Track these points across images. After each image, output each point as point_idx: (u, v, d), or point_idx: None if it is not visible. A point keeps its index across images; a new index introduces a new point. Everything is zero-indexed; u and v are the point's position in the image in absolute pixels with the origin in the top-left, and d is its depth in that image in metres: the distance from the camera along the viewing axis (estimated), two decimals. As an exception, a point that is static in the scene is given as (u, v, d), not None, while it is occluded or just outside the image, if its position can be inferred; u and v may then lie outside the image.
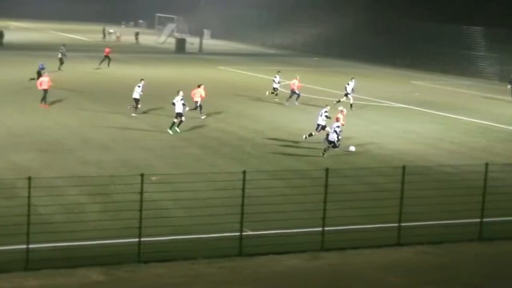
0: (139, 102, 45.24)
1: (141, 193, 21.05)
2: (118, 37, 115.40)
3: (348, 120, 43.30)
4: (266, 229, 23.10)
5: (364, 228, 24.16)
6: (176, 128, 40.29)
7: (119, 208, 24.08)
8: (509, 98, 62.85)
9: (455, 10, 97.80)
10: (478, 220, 24.23)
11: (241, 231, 21.90)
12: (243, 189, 21.80)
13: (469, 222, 24.63)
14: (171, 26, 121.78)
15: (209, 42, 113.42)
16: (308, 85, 61.63)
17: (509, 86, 64.71)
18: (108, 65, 71.54)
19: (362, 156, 36.55)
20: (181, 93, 40.99)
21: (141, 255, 20.80)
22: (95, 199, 25.66)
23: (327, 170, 22.62)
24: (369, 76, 77.81)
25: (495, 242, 24.09)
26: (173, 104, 40.51)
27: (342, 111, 38.58)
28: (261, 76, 72.25)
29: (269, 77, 70.02)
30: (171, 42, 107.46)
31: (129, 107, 45.60)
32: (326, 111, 39.24)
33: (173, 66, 79.02)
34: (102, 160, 33.07)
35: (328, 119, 38.80)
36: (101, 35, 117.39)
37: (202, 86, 46.11)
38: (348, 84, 52.66)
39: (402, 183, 23.31)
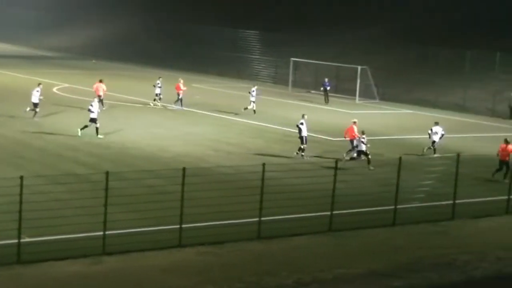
0: (38, 106, 46.23)
1: None
2: None
3: (127, 123, 43.30)
4: (46, 235, 22.56)
5: (146, 230, 24.13)
6: (99, 135, 41.11)
7: None
8: (322, 103, 65.15)
9: (232, 14, 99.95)
10: (256, 219, 24.86)
11: (19, 238, 21.27)
12: (21, 194, 21.20)
13: (249, 221, 25.24)
14: None
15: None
16: (84, 88, 60.97)
17: (321, 89, 66.91)
18: None
19: (142, 159, 36.51)
20: (96, 99, 43.07)
21: None
22: None
23: (107, 173, 22.44)
24: (149, 78, 77.87)
25: (272, 240, 24.81)
26: (89, 110, 41.54)
27: (355, 122, 39.71)
28: (37, 79, 70.45)
29: (48, 80, 68.56)
30: None
31: (28, 110, 46.23)
32: (302, 122, 39.29)
33: None
34: None
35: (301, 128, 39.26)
36: None
37: (103, 81, 51.84)
38: (253, 90, 54.76)
39: (182, 184, 23.51)
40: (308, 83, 77.82)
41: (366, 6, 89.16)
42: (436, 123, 42.84)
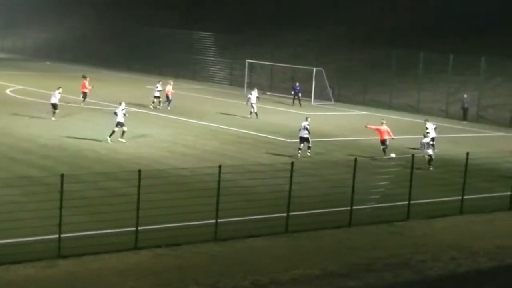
0: (57, 107, 48.75)
1: None
2: None
3: (82, 125, 42.95)
4: None
5: (102, 233, 23.99)
6: (121, 139, 41.25)
7: None
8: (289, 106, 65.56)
9: (186, 15, 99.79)
10: (213, 221, 24.83)
11: (-28, 242, 21.02)
12: (-26, 198, 20.95)
13: (205, 223, 25.19)
14: None
15: None
16: (38, 90, 60.36)
17: (292, 92, 67.29)
18: None
19: (97, 161, 36.26)
20: (123, 104, 43.23)
21: None
22: None
23: (62, 176, 22.24)
24: (103, 81, 77.41)
25: (229, 241, 24.80)
26: (115, 114, 41.69)
27: (382, 123, 42.00)
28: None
29: (1, 82, 67.96)
30: None
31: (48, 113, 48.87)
32: (308, 124, 40.41)
33: None
34: None
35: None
36: None
37: (87, 78, 56.24)
38: (251, 94, 56.39)
39: (138, 187, 23.39)
40: (263, 84, 78.00)
41: (320, 8, 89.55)
42: (427, 120, 45.67)
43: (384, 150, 41.14)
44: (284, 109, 63.12)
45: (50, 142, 40.47)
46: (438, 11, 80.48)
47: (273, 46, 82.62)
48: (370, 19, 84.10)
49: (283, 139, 46.52)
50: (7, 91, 63.26)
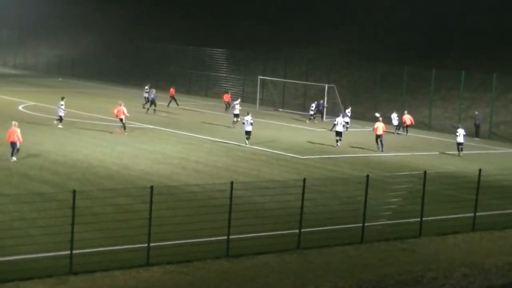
0: (239, 116, 58.17)
1: None
2: None
3: (93, 141, 42.87)
4: (10, 255, 22.31)
5: (113, 249, 23.97)
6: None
7: None
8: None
9: (198, 32, 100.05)
10: (225, 237, 24.79)
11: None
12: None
13: (217, 239, 25.16)
14: None
15: None
16: (50, 106, 60.50)
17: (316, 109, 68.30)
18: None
19: (109, 178, 36.28)
20: (250, 114, 50.34)
21: None
22: None
23: (74, 192, 22.25)
24: (114, 97, 77.65)
25: (240, 258, 24.73)
26: (243, 123, 49.59)
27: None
28: (3, 97, 70.03)
29: (14, 98, 68.14)
30: None
31: (235, 120, 58.39)
32: (344, 121, 52.24)
33: None
34: None
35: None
36: None
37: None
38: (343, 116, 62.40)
39: (151, 203, 23.36)
40: (275, 101, 78.09)
41: (330, 24, 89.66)
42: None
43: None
44: (297, 126, 63.08)
45: (61, 158, 40.53)
46: (450, 28, 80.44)
47: (285, 63, 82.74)
48: (381, 36, 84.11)
49: (295, 156, 46.47)
50: (20, 107, 63.50)
